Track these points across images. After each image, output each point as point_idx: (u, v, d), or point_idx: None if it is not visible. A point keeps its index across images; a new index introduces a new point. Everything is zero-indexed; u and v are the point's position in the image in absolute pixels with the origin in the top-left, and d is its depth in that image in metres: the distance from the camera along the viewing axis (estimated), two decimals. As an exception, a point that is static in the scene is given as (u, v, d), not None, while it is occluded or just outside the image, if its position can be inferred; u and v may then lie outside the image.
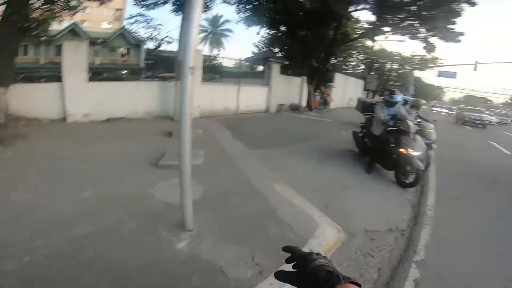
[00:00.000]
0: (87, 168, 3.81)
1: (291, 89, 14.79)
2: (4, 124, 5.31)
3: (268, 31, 17.82)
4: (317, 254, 0.63)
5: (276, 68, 12.75)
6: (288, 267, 0.64)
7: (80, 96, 6.61)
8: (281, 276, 0.63)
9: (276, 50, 18.88)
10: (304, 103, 15.37)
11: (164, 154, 4.49)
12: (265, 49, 20.80)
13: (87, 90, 6.71)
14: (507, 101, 67.77)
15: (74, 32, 20.61)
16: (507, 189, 5.30)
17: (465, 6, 11.82)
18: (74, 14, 6.67)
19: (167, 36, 21.06)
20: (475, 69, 19.81)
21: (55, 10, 6.23)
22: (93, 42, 20.77)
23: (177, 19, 11.02)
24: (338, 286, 0.55)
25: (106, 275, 1.95)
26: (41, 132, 5.48)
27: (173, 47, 20.96)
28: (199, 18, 2.20)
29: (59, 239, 2.26)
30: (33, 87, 6.46)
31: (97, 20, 31.08)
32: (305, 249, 2.24)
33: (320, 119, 12.71)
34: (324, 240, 2.69)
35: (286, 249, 0.66)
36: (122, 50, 22.09)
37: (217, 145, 5.79)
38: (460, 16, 12.32)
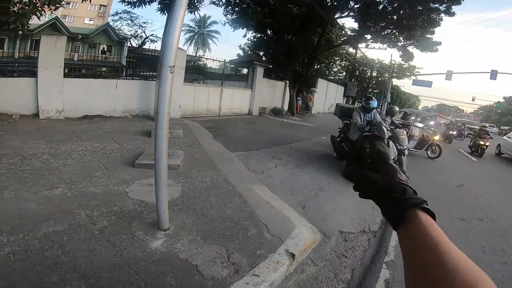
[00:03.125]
0: (59, 166, 3.67)
1: (274, 93, 14.95)
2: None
3: (254, 34, 17.99)
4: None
5: (260, 71, 12.85)
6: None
7: (54, 92, 6.38)
8: (352, 174, 0.60)
9: (261, 53, 19.05)
10: (286, 107, 15.57)
11: (141, 153, 4.40)
12: (250, 52, 20.95)
13: (62, 86, 6.49)
14: (475, 110, 72.18)
15: (54, 27, 19.81)
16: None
17: (444, 16, 12.43)
18: (56, 8, 6.41)
19: (152, 35, 20.78)
20: (449, 79, 20.76)
21: (37, 4, 5.97)
22: (73, 37, 20.03)
23: (163, 18, 10.84)
24: (418, 210, 0.52)
25: (74, 273, 1.88)
26: (11, 127, 5.21)
27: (158, 46, 20.71)
28: (182, 18, 2.20)
29: (26, 237, 2.16)
30: (4, 81, 6.16)
31: (80, 16, 30.12)
32: (281, 249, 2.29)
33: (301, 124, 12.91)
34: (300, 241, 2.74)
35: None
36: (104, 46, 21.46)
37: (197, 146, 5.74)
38: (439, 25, 12.93)
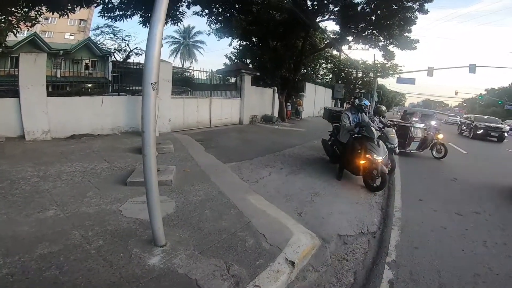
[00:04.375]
0: (49, 188, 3.59)
1: (264, 100, 15.03)
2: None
3: (239, 42, 18.10)
4: None
5: (248, 79, 12.90)
6: None
7: (38, 112, 6.22)
8: None
9: (247, 61, 19.18)
10: (276, 113, 15.64)
11: (133, 171, 4.34)
12: (237, 60, 21.08)
13: (47, 105, 6.34)
14: (459, 104, 74.42)
15: (34, 43, 19.49)
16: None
17: (418, 14, 12.80)
18: (32, 25, 6.31)
19: (136, 48, 20.58)
20: (430, 75, 21.39)
21: (12, 21, 5.86)
22: (54, 54, 19.72)
23: (147, 31, 10.78)
24: None
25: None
26: (-4, 151, 5.08)
27: (143, 59, 20.46)
28: (161, 32, 2.16)
29: (22, 258, 2.15)
30: (-15, 102, 5.98)
31: (60, 31, 29.75)
32: (280, 258, 2.27)
33: (292, 129, 13.00)
34: (299, 248, 2.73)
35: None
36: (87, 62, 21.20)
37: (189, 159, 5.69)
38: (415, 24, 13.33)
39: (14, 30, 5.77)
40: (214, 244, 2.61)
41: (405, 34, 14.18)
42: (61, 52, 20.76)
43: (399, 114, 46.77)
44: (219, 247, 2.57)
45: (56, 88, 7.96)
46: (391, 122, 8.79)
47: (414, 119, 10.65)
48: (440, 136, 8.51)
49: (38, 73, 6.20)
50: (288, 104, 17.15)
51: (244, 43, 17.79)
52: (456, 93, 37.45)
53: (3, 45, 5.82)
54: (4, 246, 2.27)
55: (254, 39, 16.30)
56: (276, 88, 15.55)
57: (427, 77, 25.15)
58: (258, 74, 14.62)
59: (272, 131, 11.83)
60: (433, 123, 9.82)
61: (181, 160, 5.53)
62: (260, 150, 7.27)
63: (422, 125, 8.58)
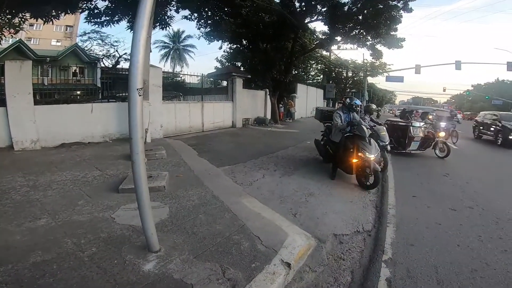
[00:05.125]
0: (40, 198, 3.52)
1: (256, 102, 15.04)
2: None
3: (230, 45, 18.13)
4: None
5: (239, 82, 12.91)
6: None
7: (26, 121, 6.10)
8: None
9: (238, 64, 19.21)
10: (269, 115, 15.68)
11: (125, 178, 4.28)
12: (228, 63, 21.10)
13: (34, 114, 6.22)
14: (448, 100, 76.09)
15: (19, 50, 19.11)
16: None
17: (403, 13, 13.07)
18: (16, 32, 6.18)
19: (125, 53, 20.34)
20: (418, 72, 21.83)
21: None
22: (41, 61, 19.33)
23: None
24: None
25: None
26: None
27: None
28: (145, 39, 2.13)
29: (16, 267, 2.13)
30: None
31: (46, 37, 29.30)
32: (276, 260, 2.26)
33: (285, 131, 13.03)
34: (295, 249, 2.72)
35: None
36: (75, 69, 20.83)
37: (182, 165, 5.65)
38: (400, 22, 13.63)
39: None
40: (209, 248, 2.59)
41: (391, 33, 14.46)
42: (48, 59, 20.39)
43: (390, 112, 47.37)
44: (214, 251, 2.55)
45: (44, 96, 7.81)
46: (390, 122, 8.76)
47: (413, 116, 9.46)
48: (442, 134, 8.26)
49: (24, 81, 6.08)
50: (280, 105, 17.22)
51: (235, 46, 17.84)
52: (444, 90, 38.58)
53: None
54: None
55: (244, 42, 16.36)
56: (268, 90, 15.60)
57: (415, 75, 25.67)
58: (249, 76, 14.66)
59: (265, 133, 11.84)
60: (442, 125, 9.18)
61: (174, 166, 5.49)
62: (253, 152, 7.27)
63: (420, 124, 8.29)
